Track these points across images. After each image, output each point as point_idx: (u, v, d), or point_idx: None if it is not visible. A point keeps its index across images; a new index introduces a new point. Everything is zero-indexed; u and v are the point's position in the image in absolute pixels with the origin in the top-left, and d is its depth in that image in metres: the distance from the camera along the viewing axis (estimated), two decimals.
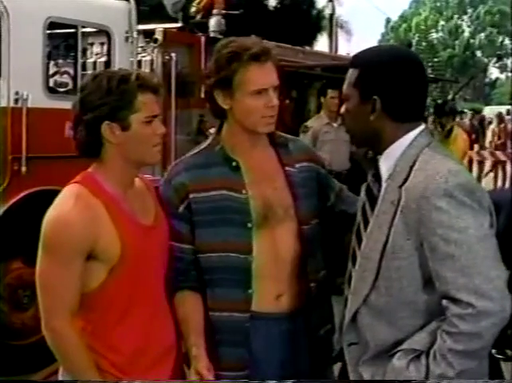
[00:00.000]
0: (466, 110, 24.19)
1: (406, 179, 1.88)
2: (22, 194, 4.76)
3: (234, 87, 2.19)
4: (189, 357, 2.17)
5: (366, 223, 1.99)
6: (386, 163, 1.96)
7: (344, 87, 2.01)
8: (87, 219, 2.06)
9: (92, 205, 2.08)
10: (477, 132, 18.87)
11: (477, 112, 25.94)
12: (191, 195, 2.23)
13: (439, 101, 10.98)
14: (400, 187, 1.88)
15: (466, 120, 19.27)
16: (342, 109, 2.05)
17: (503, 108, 22.30)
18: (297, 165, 2.33)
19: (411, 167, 1.89)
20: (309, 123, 7.08)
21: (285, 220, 2.26)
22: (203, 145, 2.35)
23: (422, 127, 1.98)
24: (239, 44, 2.21)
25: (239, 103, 2.20)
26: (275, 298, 2.24)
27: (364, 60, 2.02)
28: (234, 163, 2.26)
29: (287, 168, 2.31)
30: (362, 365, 1.93)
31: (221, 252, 2.21)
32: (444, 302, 1.80)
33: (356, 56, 2.07)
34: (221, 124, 2.32)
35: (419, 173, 1.86)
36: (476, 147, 17.28)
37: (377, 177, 1.99)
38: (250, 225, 2.21)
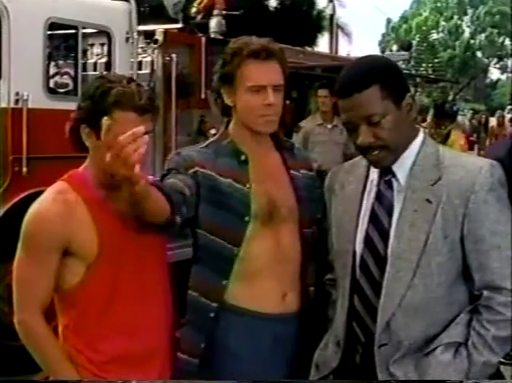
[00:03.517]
0: (465, 111, 24.13)
1: (440, 177, 1.93)
2: (23, 194, 4.76)
3: (236, 83, 2.21)
4: None
5: (379, 227, 1.99)
6: (402, 167, 1.99)
7: (371, 110, 1.89)
8: (63, 214, 2.07)
9: (71, 201, 2.09)
10: (478, 132, 18.87)
11: (477, 112, 25.91)
12: (199, 169, 2.20)
13: (439, 102, 10.93)
14: (433, 185, 1.93)
15: (466, 121, 19.25)
16: (380, 133, 1.91)
17: None
18: (302, 171, 2.34)
19: (437, 165, 1.95)
20: (302, 123, 7.06)
21: (289, 221, 2.25)
22: (211, 139, 2.36)
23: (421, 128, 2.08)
24: (244, 41, 2.25)
25: (240, 99, 2.22)
26: (281, 297, 2.23)
27: (374, 72, 1.93)
28: (243, 157, 2.26)
29: (292, 171, 2.31)
30: (393, 364, 1.94)
31: (212, 234, 2.20)
32: (485, 292, 1.89)
33: (360, 77, 1.92)
34: (228, 121, 2.33)
35: (456, 170, 1.93)
36: (476, 147, 17.26)
37: (389, 183, 2.00)
38: (247, 218, 2.20)
